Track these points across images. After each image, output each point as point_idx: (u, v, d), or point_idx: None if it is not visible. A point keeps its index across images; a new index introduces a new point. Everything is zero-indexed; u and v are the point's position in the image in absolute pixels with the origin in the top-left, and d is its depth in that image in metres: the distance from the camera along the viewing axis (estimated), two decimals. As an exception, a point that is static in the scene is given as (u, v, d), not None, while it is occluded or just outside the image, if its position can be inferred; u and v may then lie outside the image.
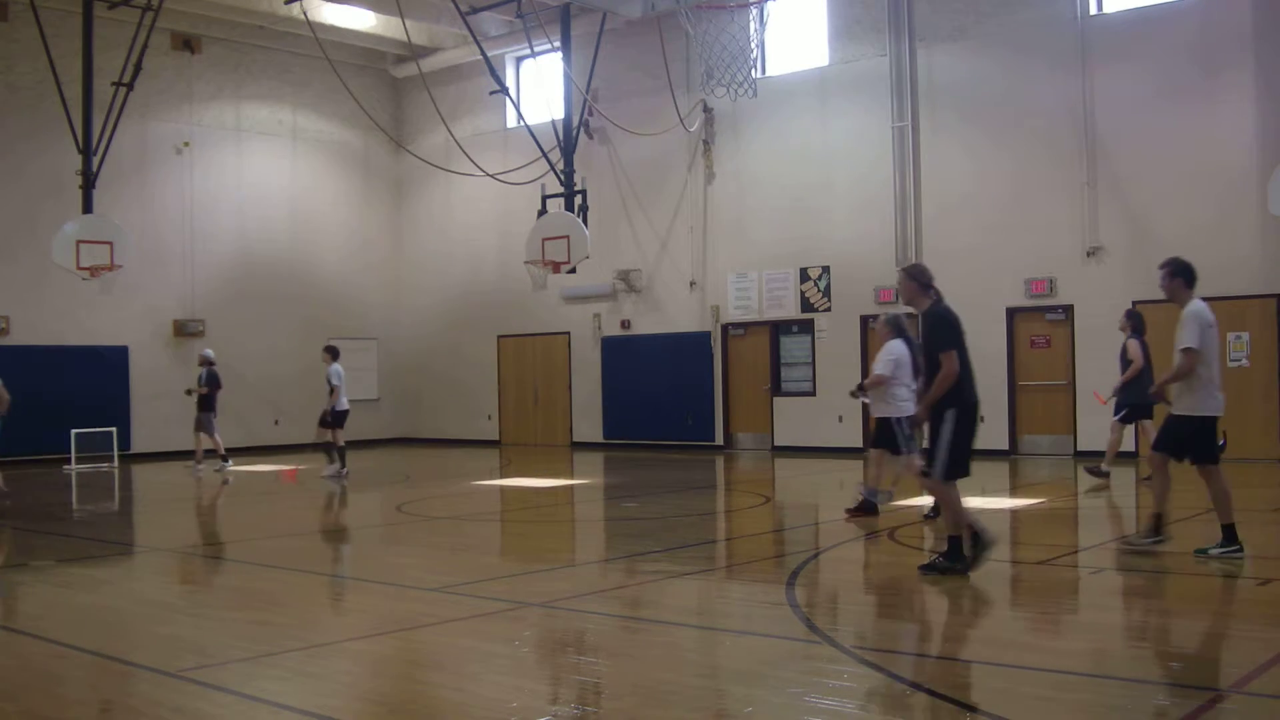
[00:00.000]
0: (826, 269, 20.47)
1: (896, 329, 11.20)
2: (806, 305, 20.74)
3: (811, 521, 12.60)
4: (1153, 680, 5.51)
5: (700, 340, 21.87)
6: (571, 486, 16.54)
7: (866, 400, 11.81)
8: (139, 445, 22.13)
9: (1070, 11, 18.08)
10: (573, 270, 19.11)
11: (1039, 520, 11.61)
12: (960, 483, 8.17)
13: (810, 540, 10.92)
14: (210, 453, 19.37)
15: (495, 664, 6.09)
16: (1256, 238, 16.52)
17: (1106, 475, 14.39)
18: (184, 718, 5.27)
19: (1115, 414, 14.25)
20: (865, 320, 20.13)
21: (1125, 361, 13.97)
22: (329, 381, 17.49)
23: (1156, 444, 9.00)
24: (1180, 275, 8.96)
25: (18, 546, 11.48)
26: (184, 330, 22.96)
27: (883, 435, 11.35)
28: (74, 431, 19.96)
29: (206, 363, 19.44)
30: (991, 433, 18.49)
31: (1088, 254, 17.89)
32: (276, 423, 24.33)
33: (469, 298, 25.51)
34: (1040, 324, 18.50)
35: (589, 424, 23.50)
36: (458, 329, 25.76)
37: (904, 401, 10.88)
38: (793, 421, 20.89)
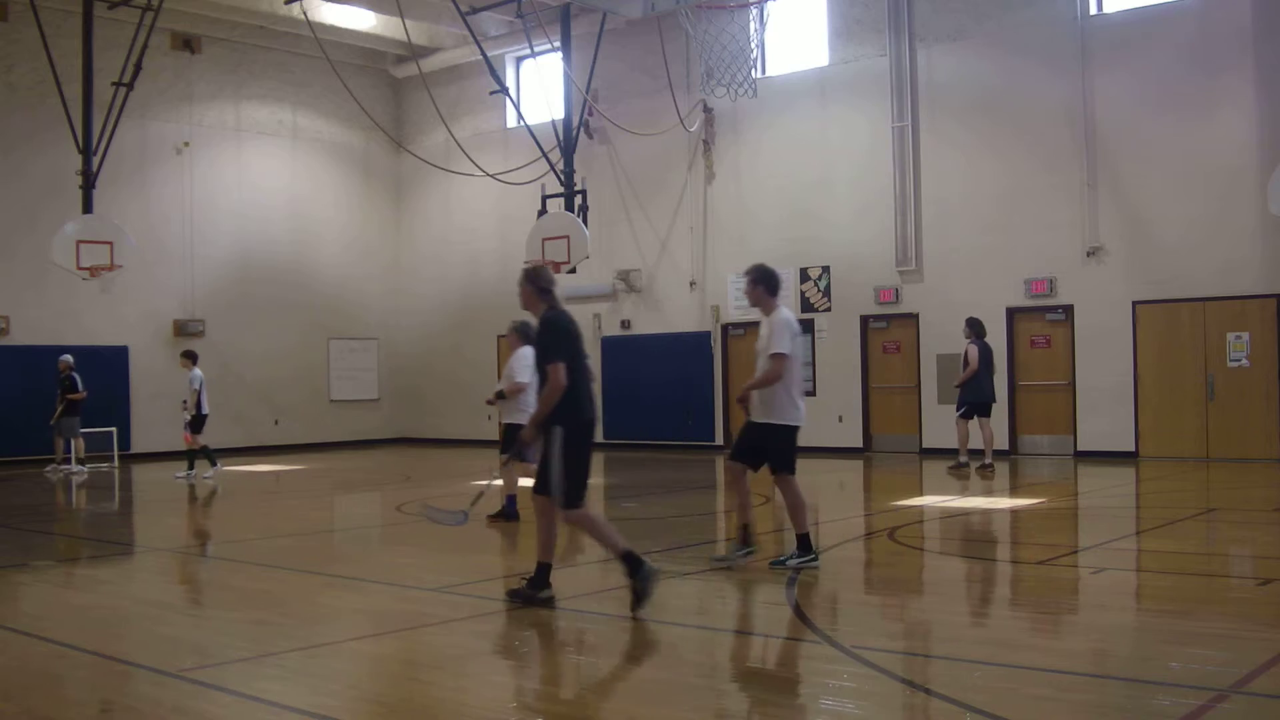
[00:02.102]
0: (826, 269, 20.47)
1: (525, 336, 10.94)
2: (806, 305, 20.74)
3: (811, 521, 12.59)
4: (1153, 680, 5.51)
5: (700, 340, 21.87)
6: (571, 486, 16.50)
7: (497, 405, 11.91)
8: (139, 445, 22.13)
9: (1070, 12, 18.08)
10: (573, 270, 19.10)
11: (1039, 520, 11.61)
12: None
13: (810, 540, 10.89)
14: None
15: (495, 664, 6.09)
16: (1256, 238, 16.52)
17: (966, 465, 16.05)
18: (184, 718, 5.27)
19: (957, 410, 16.27)
20: (865, 320, 20.14)
21: (966, 364, 16.02)
22: (192, 386, 17.33)
23: (734, 454, 8.65)
24: (762, 283, 8.68)
25: (18, 546, 11.47)
26: (184, 330, 22.96)
27: (509, 442, 11.22)
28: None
29: (69, 368, 19.29)
30: (994, 433, 18.51)
31: (1088, 254, 17.88)
32: (276, 423, 24.34)
33: (469, 298, 25.51)
34: (1040, 324, 18.50)
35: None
36: (458, 329, 25.76)
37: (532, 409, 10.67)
38: (793, 421, 20.84)
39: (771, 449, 8.53)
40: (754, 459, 8.60)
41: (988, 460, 15.95)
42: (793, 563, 8.39)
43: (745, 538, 8.71)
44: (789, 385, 8.41)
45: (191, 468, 17.51)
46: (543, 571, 7.36)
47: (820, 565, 8.43)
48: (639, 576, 7.05)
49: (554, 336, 7.23)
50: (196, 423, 17.46)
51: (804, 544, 8.49)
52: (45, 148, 20.97)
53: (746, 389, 8.54)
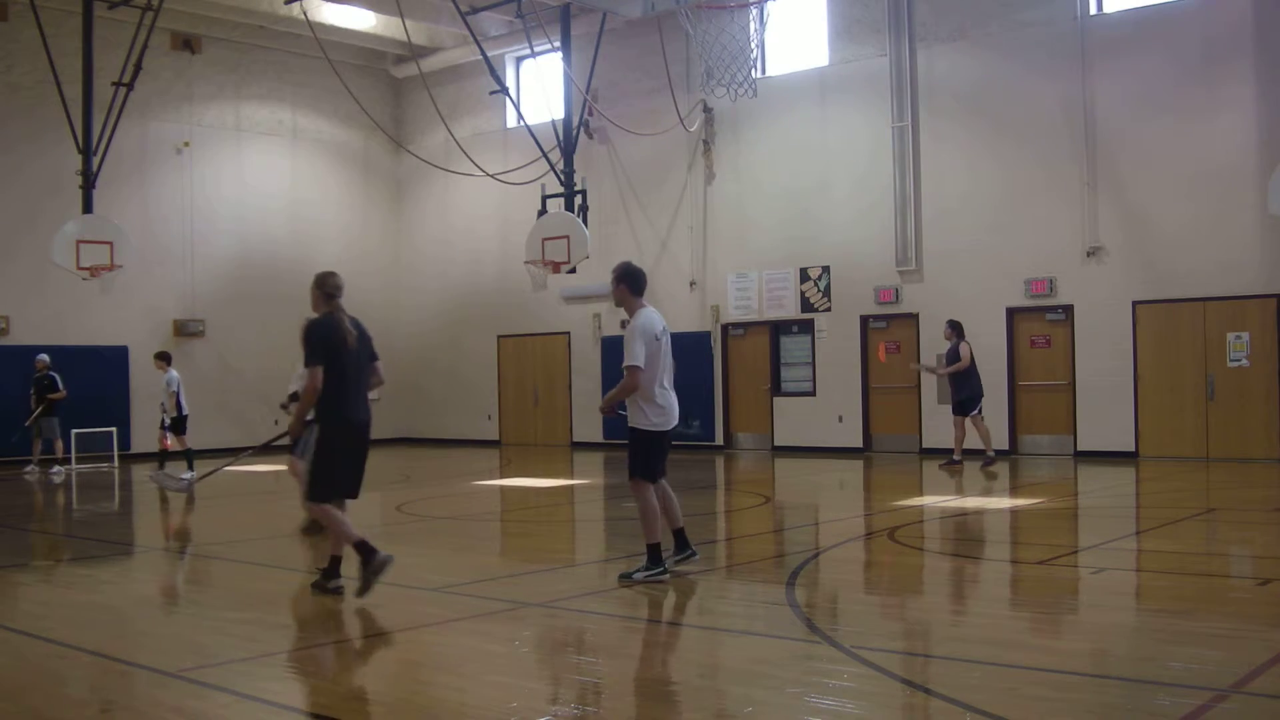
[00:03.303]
0: (826, 269, 20.47)
1: None
2: (806, 305, 20.74)
3: (811, 521, 12.61)
4: (1153, 680, 5.51)
5: (700, 340, 21.87)
6: (571, 486, 16.54)
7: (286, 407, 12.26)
8: (139, 445, 22.11)
9: (1070, 11, 18.08)
10: (573, 270, 19.11)
11: (1039, 520, 11.61)
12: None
13: (810, 540, 10.93)
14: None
15: (495, 664, 6.09)
16: (1256, 238, 16.52)
17: (959, 462, 16.27)
18: (184, 718, 5.27)
19: (974, 410, 16.29)
20: (865, 320, 20.14)
21: (956, 359, 16.21)
22: (170, 388, 17.26)
23: (632, 471, 8.24)
24: (624, 281, 8.45)
25: (18, 546, 11.47)
26: (184, 330, 22.96)
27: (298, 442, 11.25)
28: (74, 431, 19.94)
29: (46, 367, 19.30)
30: (993, 432, 18.52)
31: (1088, 254, 17.88)
32: (276, 423, 24.30)
33: (469, 298, 25.51)
34: (1040, 324, 18.50)
35: (589, 424, 23.50)
36: (458, 329, 25.76)
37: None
38: (793, 421, 20.89)
39: (628, 452, 8.29)
40: (647, 469, 8.28)
41: (991, 454, 16.28)
42: (639, 575, 7.99)
43: (680, 545, 8.36)
44: (652, 390, 8.07)
45: (191, 468, 17.47)
46: (334, 564, 7.79)
47: (668, 580, 8.02)
48: (369, 566, 7.41)
49: (310, 342, 7.61)
50: (178, 424, 17.37)
51: (653, 555, 8.03)
52: (45, 148, 20.96)
53: (607, 399, 8.31)
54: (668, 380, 8.20)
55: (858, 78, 20.10)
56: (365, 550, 7.48)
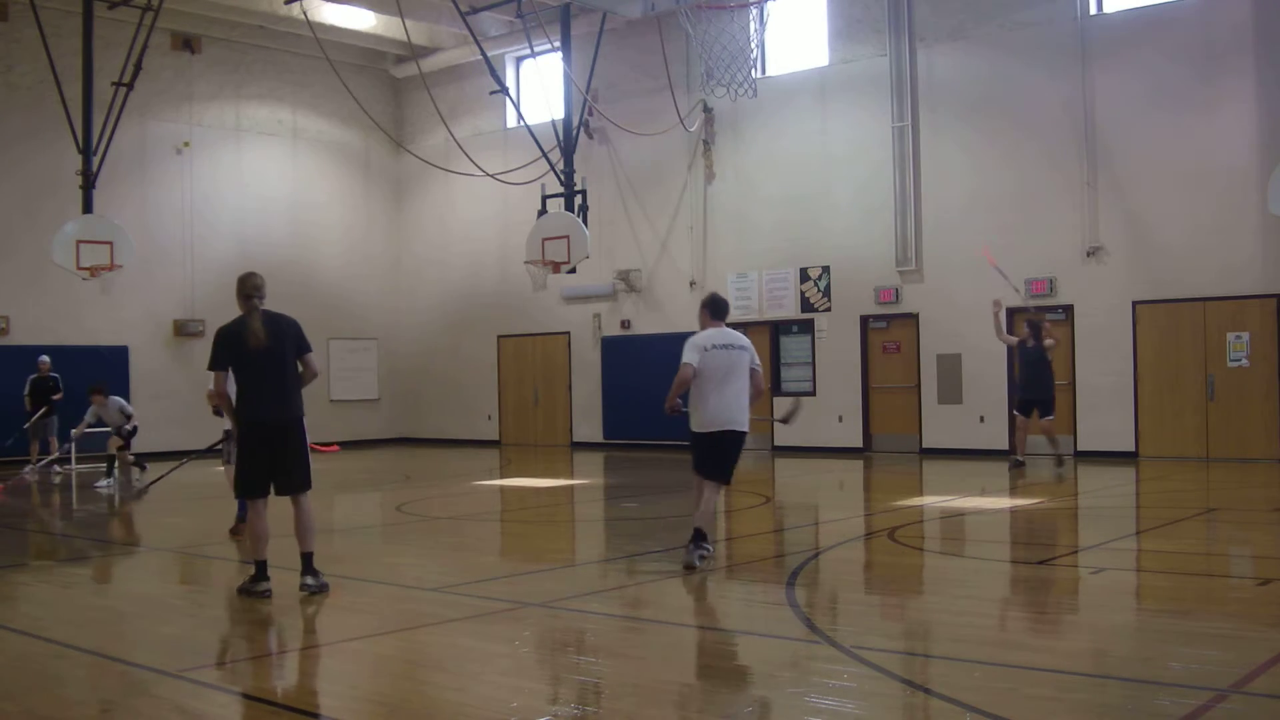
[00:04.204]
0: (826, 269, 20.47)
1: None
2: (806, 305, 20.74)
3: (811, 521, 12.61)
4: (1153, 680, 5.51)
5: (700, 340, 21.83)
6: (571, 486, 16.54)
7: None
8: (139, 445, 22.04)
9: (1070, 11, 18.07)
10: (573, 270, 19.10)
11: (1039, 520, 11.61)
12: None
13: (810, 540, 10.93)
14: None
15: (495, 664, 6.09)
16: (1256, 238, 16.52)
17: (1023, 464, 15.76)
18: (184, 718, 5.27)
19: (1043, 412, 15.76)
20: (865, 320, 20.14)
21: (1028, 362, 15.62)
22: (123, 413, 17.17)
23: (692, 465, 8.96)
24: (704, 307, 9.12)
25: (18, 546, 11.47)
26: (184, 330, 22.97)
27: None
28: (74, 431, 19.91)
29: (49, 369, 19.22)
30: (992, 432, 18.54)
31: (1088, 254, 17.88)
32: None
33: (469, 298, 25.51)
34: (1040, 324, 18.46)
35: (589, 424, 23.50)
36: (458, 329, 25.76)
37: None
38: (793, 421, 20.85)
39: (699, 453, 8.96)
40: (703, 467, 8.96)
41: (1057, 452, 15.95)
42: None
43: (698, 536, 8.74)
44: (699, 393, 8.73)
45: (144, 469, 17.51)
46: (259, 568, 7.90)
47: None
48: (253, 586, 7.83)
49: (214, 346, 7.88)
50: (129, 434, 17.26)
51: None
52: (45, 148, 20.96)
53: (666, 401, 8.95)
54: (724, 390, 8.70)
55: (858, 78, 20.09)
56: (259, 570, 7.86)
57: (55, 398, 19.07)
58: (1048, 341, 15.56)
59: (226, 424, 12.41)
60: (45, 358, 19.47)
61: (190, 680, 5.82)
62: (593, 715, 5.25)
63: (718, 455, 8.75)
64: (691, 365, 8.64)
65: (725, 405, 8.67)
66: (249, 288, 7.87)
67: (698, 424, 8.76)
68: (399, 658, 6.38)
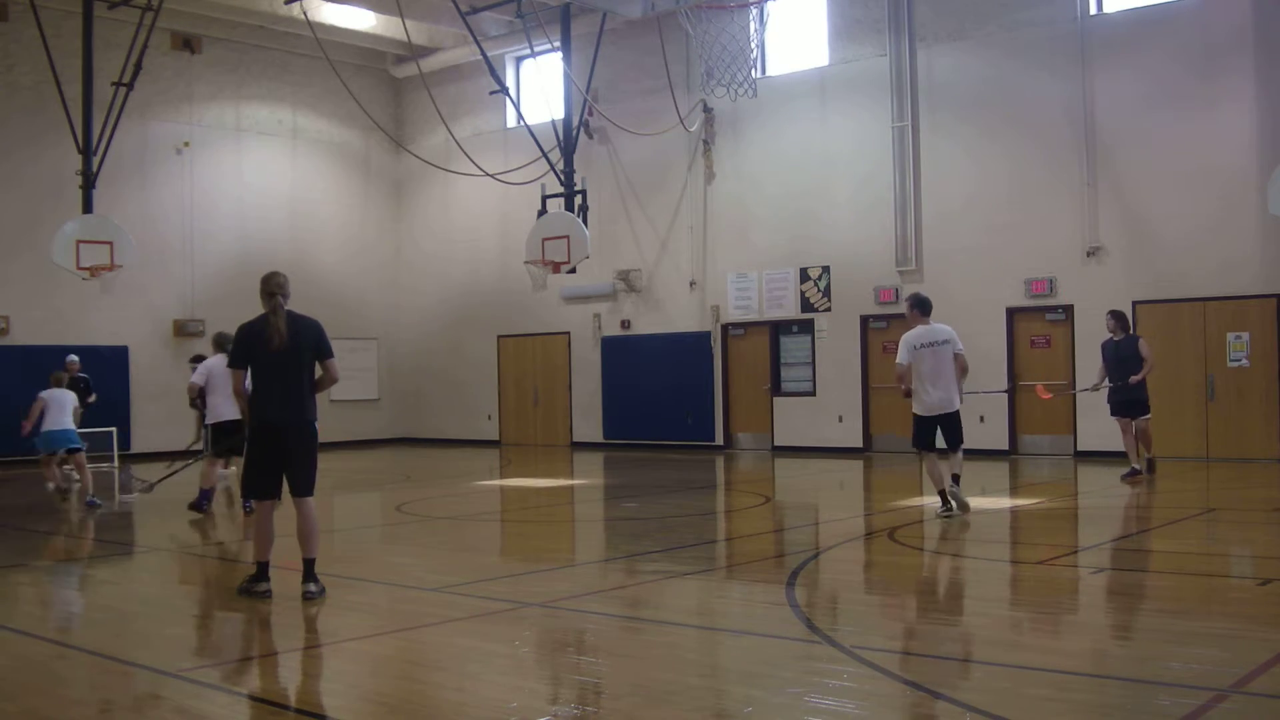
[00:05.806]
0: (826, 269, 20.47)
1: (219, 345, 12.87)
2: (806, 305, 20.74)
3: (811, 521, 12.61)
4: (1153, 680, 5.51)
5: (700, 340, 21.87)
6: (571, 486, 16.54)
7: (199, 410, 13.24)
8: (139, 445, 22.13)
9: (1070, 12, 18.08)
10: (573, 270, 19.10)
11: (1039, 520, 11.61)
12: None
13: (810, 540, 10.93)
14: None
15: (495, 664, 6.09)
16: (1256, 238, 16.52)
17: (1139, 472, 14.30)
18: (184, 718, 5.27)
19: (1136, 412, 14.30)
20: (865, 320, 20.14)
21: (1119, 359, 14.21)
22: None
23: (913, 442, 11.23)
24: (911, 306, 11.10)
25: (18, 546, 11.47)
26: (184, 330, 22.97)
27: (211, 441, 12.81)
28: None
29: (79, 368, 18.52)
30: (991, 432, 18.53)
31: (1088, 254, 17.88)
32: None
33: (469, 298, 25.52)
34: (1040, 324, 18.49)
35: (589, 424, 23.50)
36: (458, 329, 25.76)
37: (219, 408, 12.42)
38: (793, 421, 20.89)
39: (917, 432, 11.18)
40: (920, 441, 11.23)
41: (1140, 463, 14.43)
42: (941, 511, 10.94)
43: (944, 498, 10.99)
44: (918, 383, 10.87)
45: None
46: (260, 568, 7.89)
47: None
48: (253, 585, 7.82)
49: (234, 343, 8.01)
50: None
51: (942, 498, 10.97)
52: (45, 148, 20.97)
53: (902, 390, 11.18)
54: (938, 381, 10.86)
55: (858, 78, 20.10)
56: (260, 571, 7.85)
57: (90, 400, 17.80)
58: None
59: (207, 419, 12.83)
60: (74, 357, 18.43)
61: (190, 680, 5.82)
62: (593, 715, 5.25)
63: (943, 430, 10.98)
64: (902, 364, 10.83)
65: (941, 393, 10.85)
66: (272, 285, 7.86)
67: (921, 408, 10.90)
68: (399, 658, 6.38)
